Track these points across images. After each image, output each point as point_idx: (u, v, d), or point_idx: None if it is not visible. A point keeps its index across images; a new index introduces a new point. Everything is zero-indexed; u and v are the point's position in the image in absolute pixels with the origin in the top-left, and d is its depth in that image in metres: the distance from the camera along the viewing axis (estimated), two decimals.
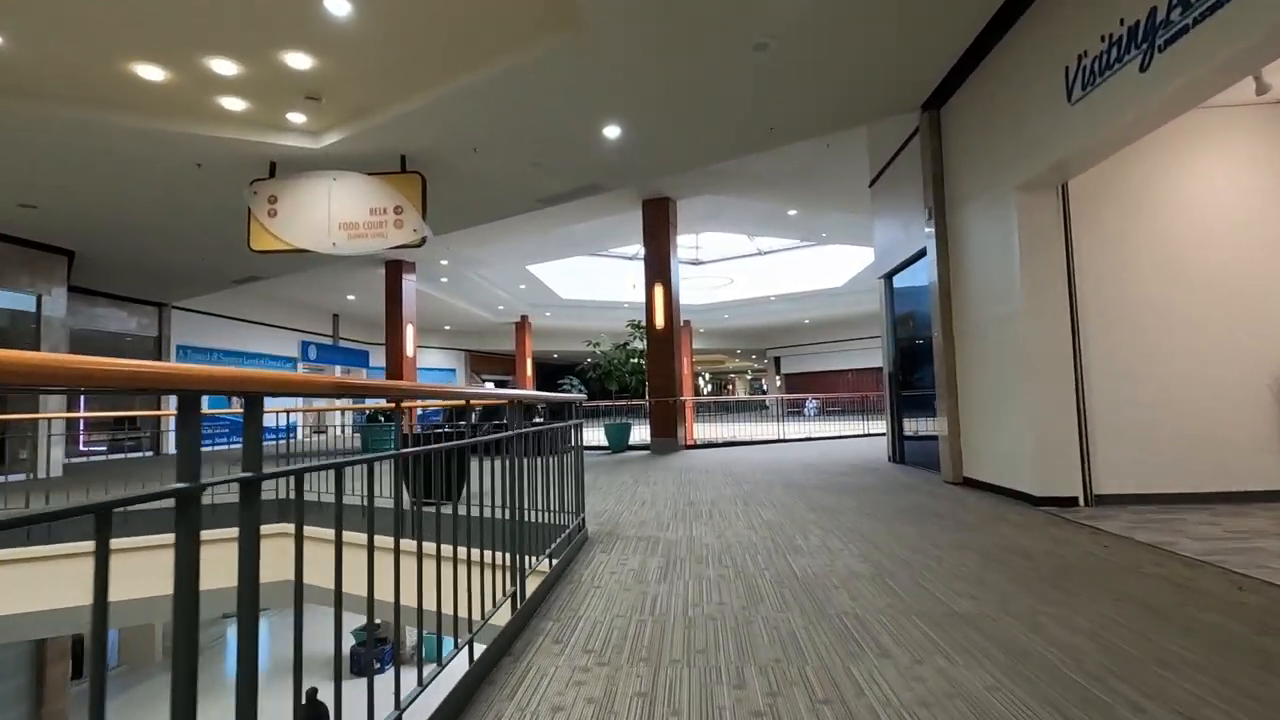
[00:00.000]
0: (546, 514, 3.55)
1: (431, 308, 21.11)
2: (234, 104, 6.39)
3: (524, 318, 23.58)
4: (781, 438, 13.89)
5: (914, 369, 7.79)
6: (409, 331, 14.85)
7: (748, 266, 23.29)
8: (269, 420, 18.48)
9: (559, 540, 3.63)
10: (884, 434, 14.21)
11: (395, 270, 14.71)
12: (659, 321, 11.19)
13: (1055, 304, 5.06)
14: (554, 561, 3.46)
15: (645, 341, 11.51)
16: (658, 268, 11.28)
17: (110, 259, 11.36)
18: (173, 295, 14.74)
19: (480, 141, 7.21)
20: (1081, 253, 5.09)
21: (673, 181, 10.49)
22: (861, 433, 14.32)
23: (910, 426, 7.90)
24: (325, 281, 16.41)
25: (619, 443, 11.42)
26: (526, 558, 3.04)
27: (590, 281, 22.25)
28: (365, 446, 13.55)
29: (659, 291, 11.22)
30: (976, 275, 5.87)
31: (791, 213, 13.05)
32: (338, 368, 21.29)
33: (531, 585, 3.07)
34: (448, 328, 25.10)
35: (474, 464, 2.99)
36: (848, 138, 8.73)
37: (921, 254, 7.08)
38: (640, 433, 13.10)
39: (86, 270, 11.76)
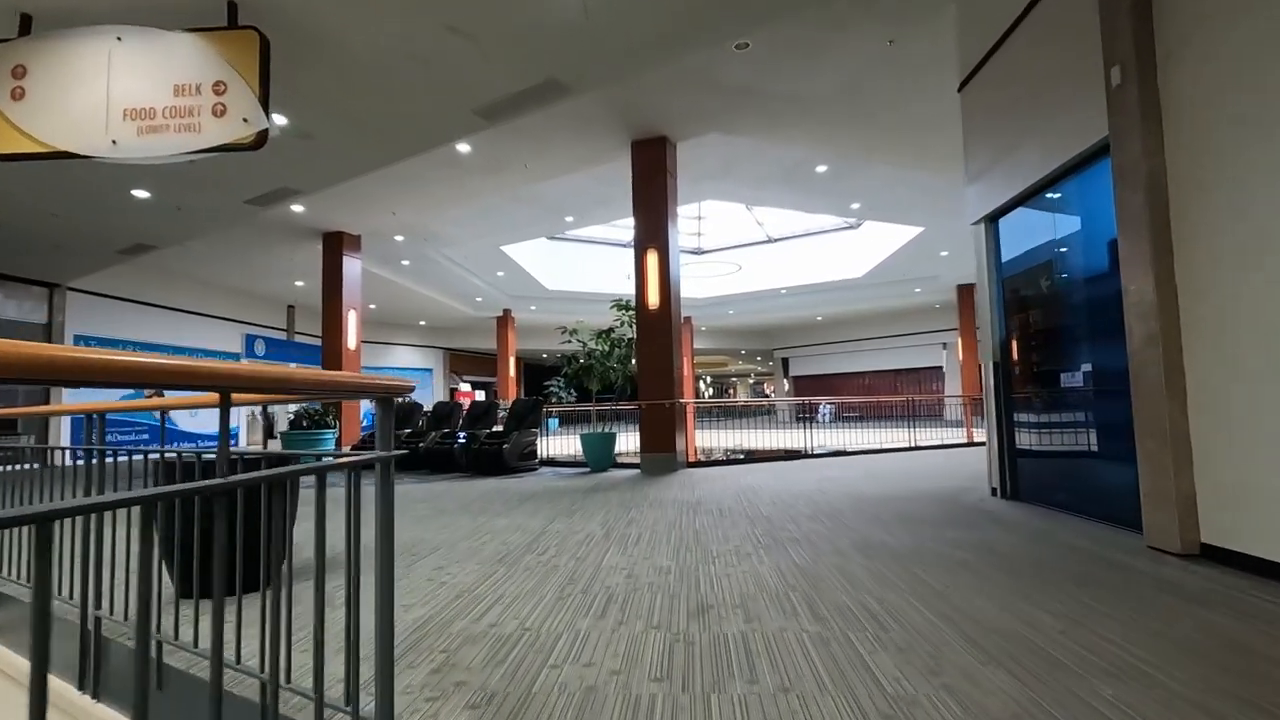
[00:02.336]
0: None
1: (401, 299, 18.31)
2: None
3: (506, 312, 20.76)
4: (807, 449, 11.03)
5: (1056, 352, 4.95)
6: (351, 320, 12.01)
7: (756, 257, 20.49)
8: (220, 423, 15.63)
9: None
10: (936, 446, 11.83)
11: (334, 244, 11.89)
12: (652, 299, 8.35)
13: None
14: None
15: (635, 327, 8.68)
16: (650, 228, 8.45)
17: None
18: (66, 274, 11.93)
19: None
20: None
21: (670, 114, 7.68)
22: (905, 445, 11.44)
23: (1034, 442, 5.07)
24: (260, 263, 13.61)
25: (600, 459, 8.56)
26: None
27: (579, 271, 19.45)
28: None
29: (652, 261, 8.38)
30: (1248, 178, 3.06)
31: (820, 169, 10.22)
32: (293, 366, 18.42)
33: None
34: (422, 323, 22.29)
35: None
36: (926, 25, 5.91)
37: (1085, 161, 4.26)
38: (627, 440, 10.28)
39: None
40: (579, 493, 6.49)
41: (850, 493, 5.94)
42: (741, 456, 9.60)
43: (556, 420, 20.97)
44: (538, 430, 9.16)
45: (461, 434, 9.01)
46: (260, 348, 17.21)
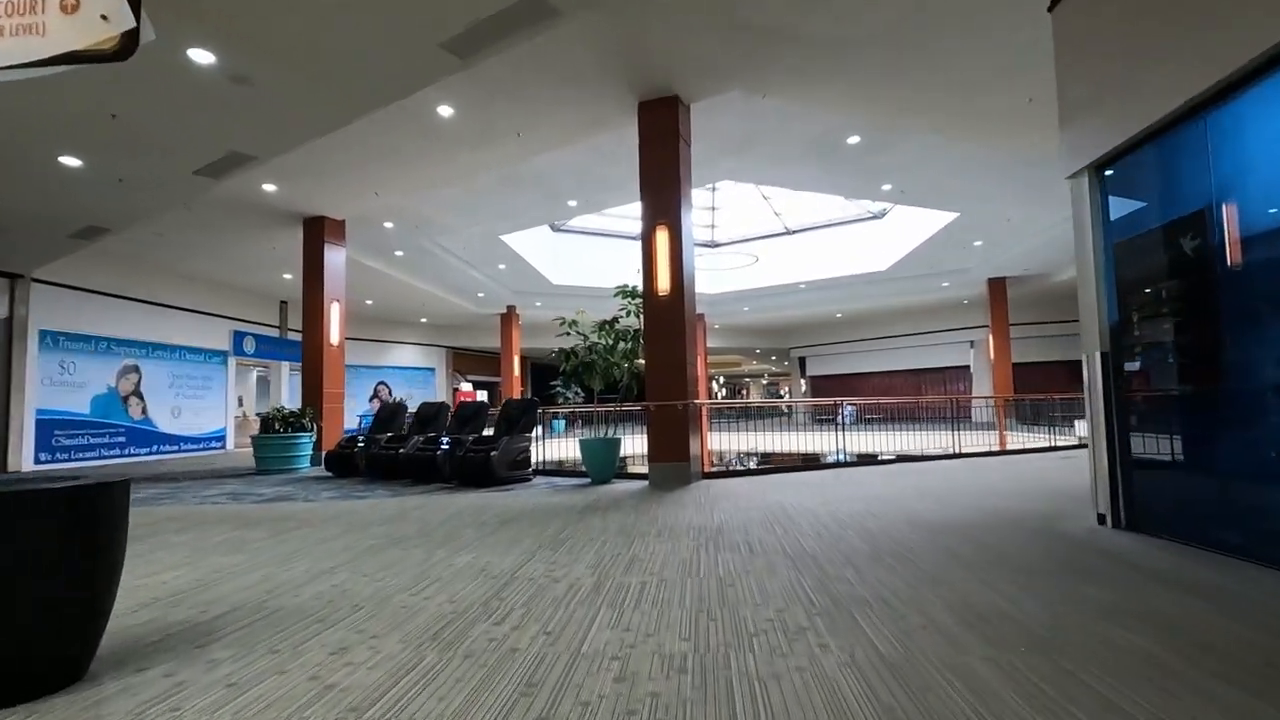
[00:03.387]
0: None
1: (398, 294, 17.25)
2: None
3: (510, 308, 19.64)
4: (834, 456, 9.80)
5: (1211, 335, 3.70)
6: (334, 313, 10.92)
7: (773, 250, 19.23)
8: (189, 427, 14.63)
9: None
10: (984, 452, 10.00)
11: (315, 230, 10.79)
12: (661, 284, 7.15)
13: None
14: None
15: (642, 317, 7.49)
16: (660, 202, 7.25)
17: None
18: (27, 263, 10.92)
19: None
20: None
21: (684, 66, 6.47)
22: (945, 450, 10.14)
23: (1168, 457, 3.82)
24: (243, 254, 12.56)
25: (602, 469, 7.37)
26: None
27: (586, 265, 18.28)
28: (261, 467, 9.62)
29: (662, 240, 7.18)
30: None
31: (852, 140, 8.97)
32: (285, 365, 17.45)
33: None
34: (423, 320, 21.22)
35: None
36: None
37: (1250, 77, 3.03)
38: (633, 444, 9.12)
39: None
40: (573, 513, 5.30)
41: (911, 517, 4.70)
42: (767, 466, 8.37)
43: (562, 422, 19.81)
44: (531, 435, 7.98)
45: (444, 439, 7.85)
46: (250, 345, 16.20)
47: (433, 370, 22.41)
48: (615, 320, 7.87)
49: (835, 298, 19.99)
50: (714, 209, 18.83)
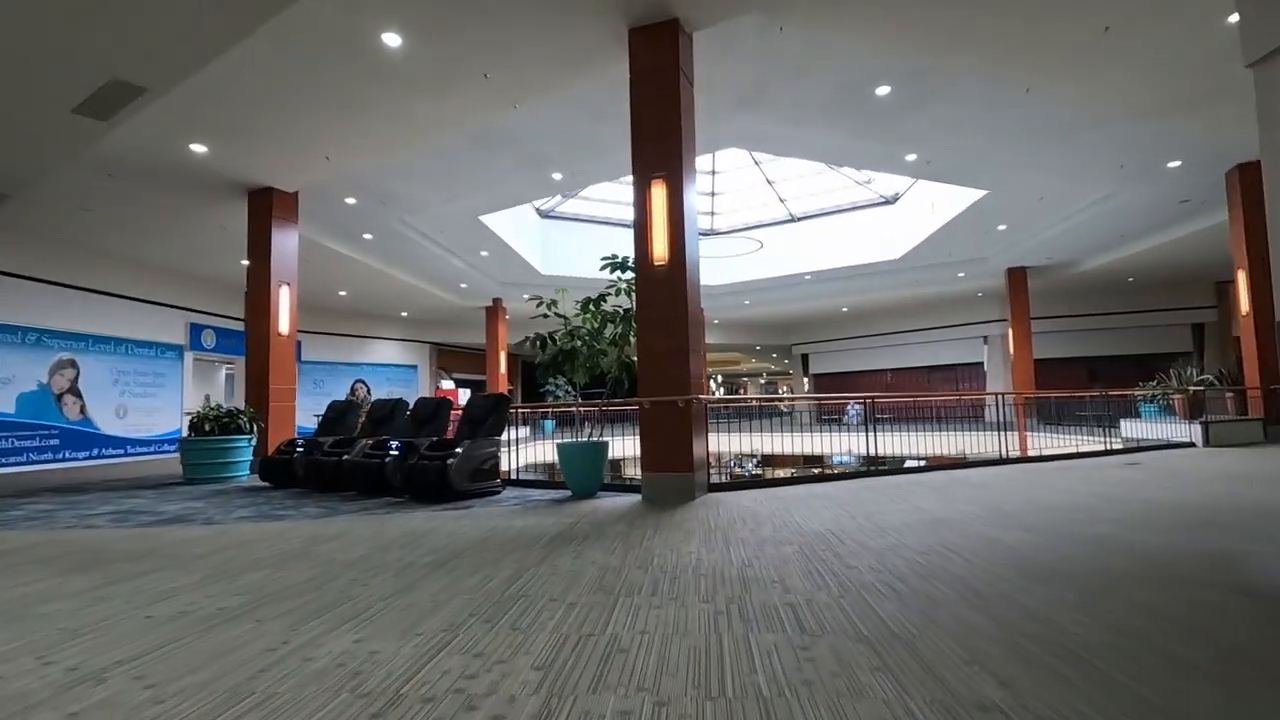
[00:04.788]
0: None
1: (373, 284, 15.76)
2: None
3: (496, 301, 18.18)
4: (867, 463, 8.43)
5: None
6: (283, 298, 9.45)
7: (777, 239, 17.84)
8: (137, 429, 13.06)
9: None
10: (1027, 457, 8.07)
11: (261, 204, 9.33)
12: (658, 252, 5.72)
13: None
14: None
15: (634, 296, 6.06)
16: (656, 151, 5.81)
17: None
18: None
19: None
20: None
21: None
22: (992, 455, 8.72)
23: None
24: (191, 236, 11.09)
25: (584, 481, 5.94)
26: None
27: (578, 255, 16.82)
28: (190, 476, 8.14)
29: (658, 197, 5.75)
30: None
31: (882, 90, 7.55)
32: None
33: None
34: (404, 314, 19.73)
35: None
36: None
37: None
38: (625, 446, 7.72)
39: None
40: (537, 546, 3.86)
41: (1007, 556, 3.28)
42: (782, 476, 6.95)
43: (552, 423, 18.27)
44: (500, 438, 6.54)
45: (394, 443, 6.40)
46: (209, 339, 14.69)
47: (415, 368, 20.91)
48: (602, 298, 6.43)
49: (842, 289, 18.59)
50: (714, 194, 17.43)
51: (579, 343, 6.39)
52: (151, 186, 8.83)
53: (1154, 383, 12.53)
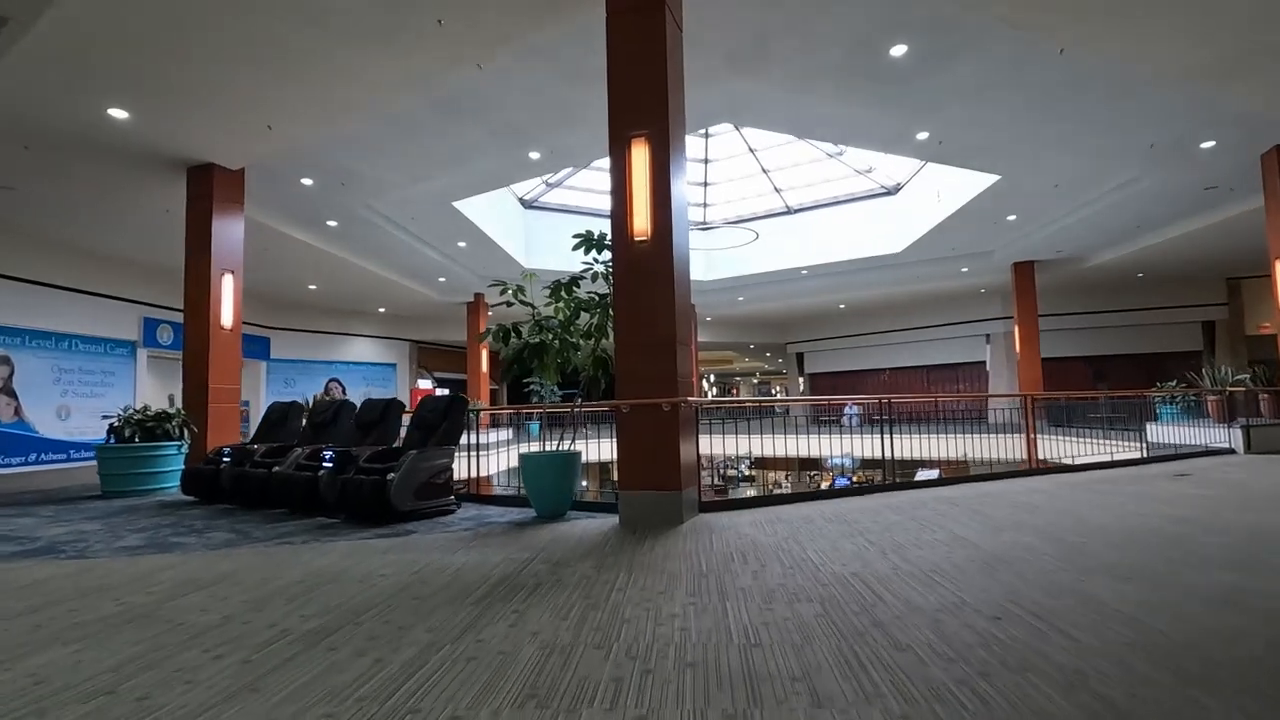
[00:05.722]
0: None
1: (345, 278, 14.67)
2: None
3: (478, 296, 17.13)
4: (882, 471, 7.44)
5: None
6: (225, 287, 8.39)
7: (773, 233, 16.87)
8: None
9: None
10: (1061, 467, 7.60)
11: (202, 183, 8.26)
12: (638, 224, 4.71)
13: None
14: None
15: (610, 280, 5.05)
16: (636, 102, 4.80)
17: None
18: None
19: None
20: None
21: None
22: (1009, 460, 7.76)
23: None
24: (135, 222, 10.00)
25: (551, 500, 4.93)
26: None
27: (564, 248, 15.81)
28: (108, 489, 7.06)
29: (639, 158, 4.74)
30: None
31: (897, 51, 6.57)
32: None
33: None
34: (381, 310, 18.64)
35: None
36: None
37: None
38: (600, 448, 6.73)
39: None
40: (468, 603, 2.84)
41: (1133, 630, 2.29)
42: (785, 493, 5.94)
43: (537, 424, 17.15)
44: (456, 447, 5.51)
45: (328, 453, 5.35)
46: (166, 335, 13.56)
47: (394, 366, 19.81)
48: (575, 282, 5.41)
49: (840, 285, 17.66)
50: (706, 184, 16.45)
51: (549, 335, 5.38)
52: (75, 160, 7.76)
53: (1174, 382, 11.65)
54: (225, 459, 6.22)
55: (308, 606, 2.83)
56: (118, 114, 6.78)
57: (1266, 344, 16.38)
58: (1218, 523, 4.19)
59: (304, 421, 6.90)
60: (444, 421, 5.43)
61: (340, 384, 18.53)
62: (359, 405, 6.49)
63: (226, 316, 8.32)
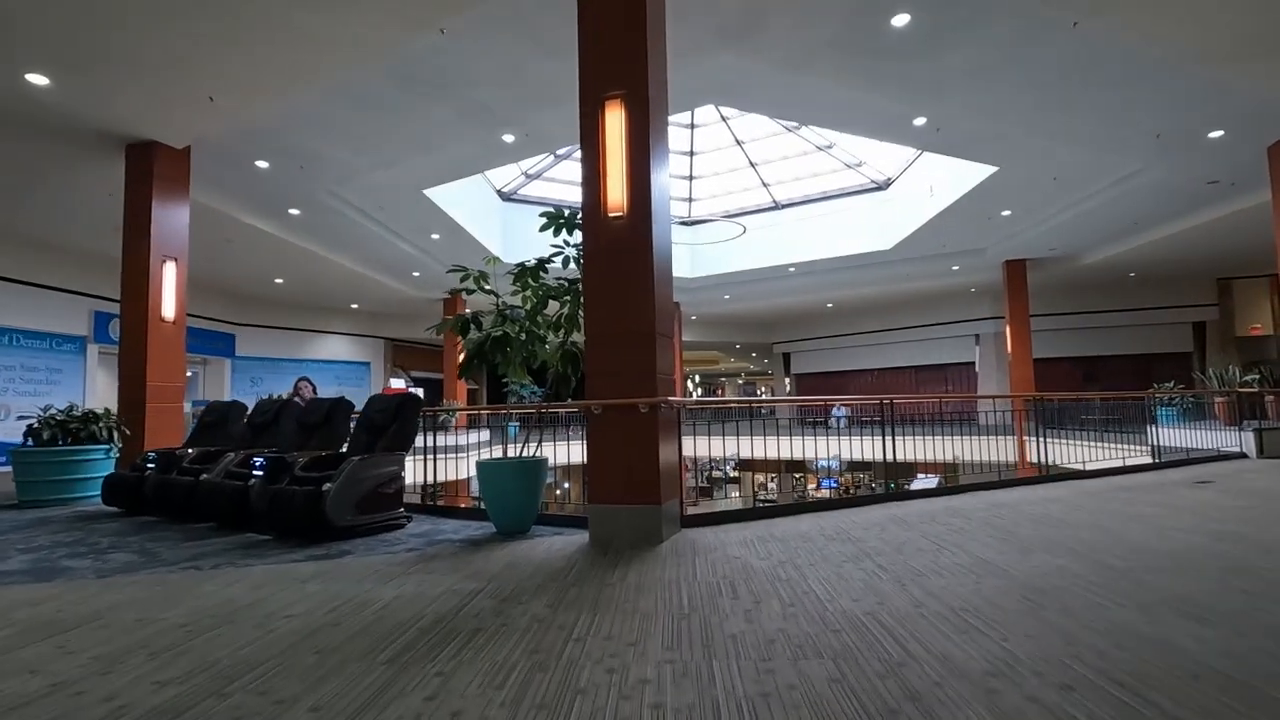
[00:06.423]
0: None
1: (314, 272, 13.93)
2: None
3: (455, 292, 16.35)
4: (885, 478, 6.88)
5: None
6: (167, 276, 7.65)
7: (760, 230, 16.33)
8: None
9: None
10: (1072, 473, 6.78)
11: (141, 161, 7.51)
12: (612, 198, 4.10)
13: None
14: None
15: (580, 265, 4.42)
16: (610, 56, 4.19)
17: None
18: None
19: None
20: None
21: None
22: (1009, 465, 7.23)
23: None
24: (76, 207, 9.21)
25: (513, 514, 4.29)
26: None
27: (547, 242, 15.13)
28: (24, 498, 6.29)
29: (614, 124, 4.12)
30: None
31: (899, 20, 6.01)
32: None
33: None
34: (354, 306, 17.86)
35: None
36: None
37: None
38: (570, 450, 6.08)
39: None
40: (381, 659, 2.20)
41: (1247, 703, 1.71)
42: (780, 504, 5.35)
43: (515, 426, 16.43)
44: (406, 452, 4.85)
45: (258, 460, 4.67)
46: (115, 330, 12.69)
47: (368, 365, 19.01)
48: (542, 267, 4.79)
49: (828, 283, 17.15)
50: (691, 178, 15.87)
51: (514, 326, 4.74)
52: None
53: (1170, 383, 11.26)
54: (150, 465, 5.50)
55: (173, 665, 2.17)
56: (37, 79, 6.05)
57: (1257, 346, 16.14)
58: (1268, 539, 3.66)
59: (245, 422, 6.19)
60: (394, 423, 4.78)
61: (311, 383, 17.65)
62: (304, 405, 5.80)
63: (168, 308, 7.58)
